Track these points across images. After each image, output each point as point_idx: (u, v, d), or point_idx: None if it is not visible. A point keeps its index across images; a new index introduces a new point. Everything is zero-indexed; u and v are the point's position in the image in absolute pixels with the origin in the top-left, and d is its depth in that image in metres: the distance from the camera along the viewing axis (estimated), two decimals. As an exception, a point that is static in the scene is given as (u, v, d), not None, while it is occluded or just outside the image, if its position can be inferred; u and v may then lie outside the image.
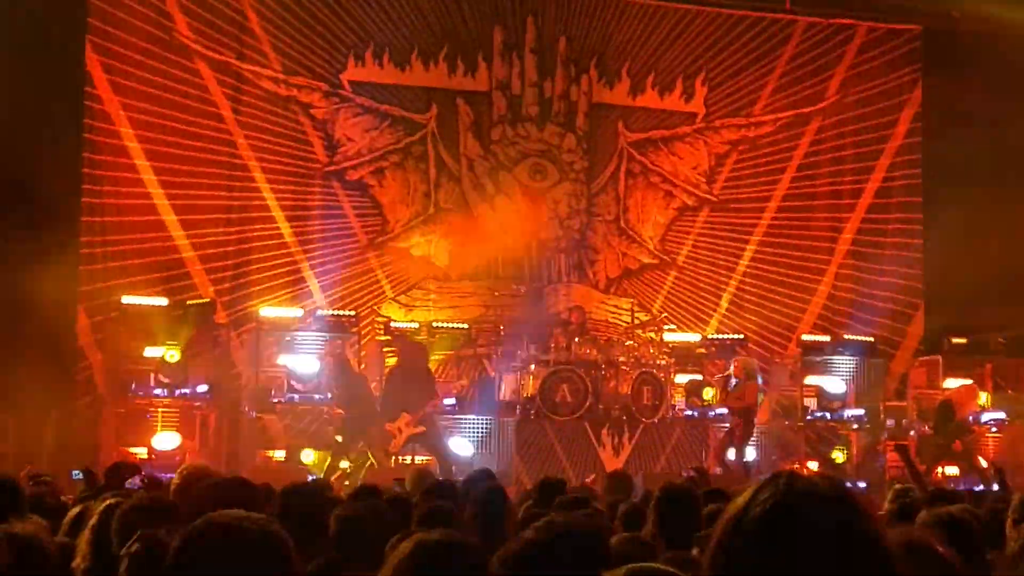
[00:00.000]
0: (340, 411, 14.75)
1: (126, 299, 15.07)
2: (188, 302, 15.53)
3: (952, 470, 15.85)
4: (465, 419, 15.59)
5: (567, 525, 3.25)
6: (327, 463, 14.42)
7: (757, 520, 1.75)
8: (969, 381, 16.31)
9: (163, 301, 15.17)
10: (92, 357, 15.75)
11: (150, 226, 16.35)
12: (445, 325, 16.75)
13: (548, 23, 18.63)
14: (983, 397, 16.42)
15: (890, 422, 16.82)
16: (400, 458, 14.91)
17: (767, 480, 1.81)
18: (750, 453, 15.99)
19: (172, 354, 14.44)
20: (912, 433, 16.60)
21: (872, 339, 17.74)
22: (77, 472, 8.49)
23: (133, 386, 14.65)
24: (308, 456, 14.74)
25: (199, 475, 5.30)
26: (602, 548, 3.29)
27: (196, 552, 2.51)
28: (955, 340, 16.94)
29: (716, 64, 19.10)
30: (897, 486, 7.69)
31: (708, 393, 16.50)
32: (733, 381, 15.81)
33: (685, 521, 5.49)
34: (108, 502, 4.34)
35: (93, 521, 4.08)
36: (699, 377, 16.72)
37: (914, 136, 19.29)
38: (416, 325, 16.48)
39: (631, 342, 16.81)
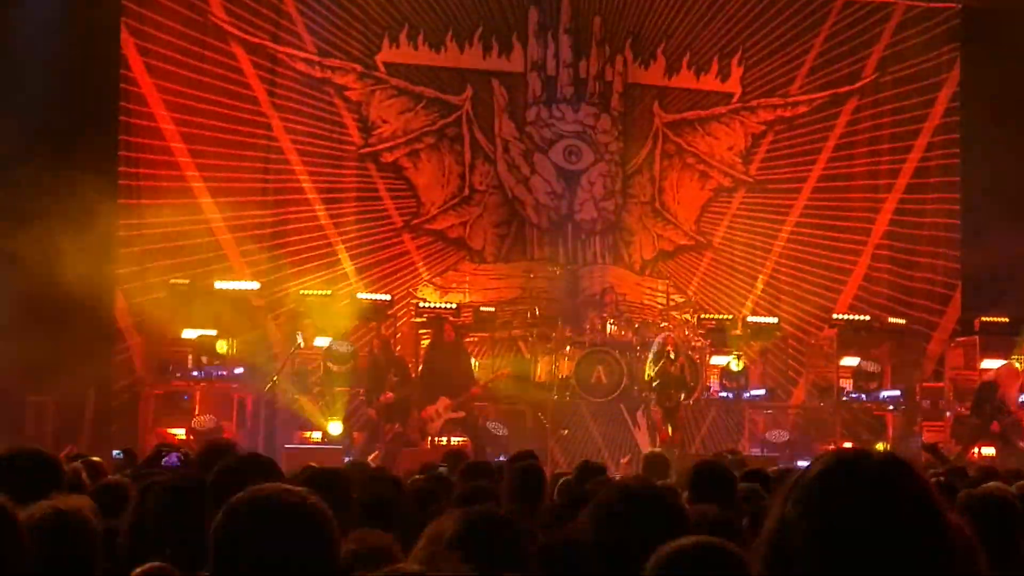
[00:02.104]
0: (390, 395, 14.82)
1: (173, 280, 15.18)
2: (223, 285, 15.58)
3: (988, 451, 15.73)
4: (501, 400, 15.61)
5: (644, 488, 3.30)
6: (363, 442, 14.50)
7: (816, 476, 1.75)
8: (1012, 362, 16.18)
9: (232, 284, 15.28)
10: (131, 339, 15.85)
11: (186, 209, 16.42)
12: (480, 307, 16.75)
13: (583, 3, 18.56)
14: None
15: (926, 403, 16.73)
16: (436, 440, 14.97)
17: (823, 453, 1.82)
18: (783, 435, 15.95)
19: (209, 338, 14.56)
20: (948, 414, 16.50)
21: (909, 320, 17.63)
22: (118, 452, 8.57)
23: (171, 368, 14.76)
24: (336, 428, 14.75)
25: (221, 450, 5.33)
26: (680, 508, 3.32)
27: (240, 525, 2.52)
28: (993, 320, 16.78)
29: (752, 43, 18.97)
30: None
31: (734, 364, 16.46)
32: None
33: (719, 498, 5.47)
34: (147, 482, 4.37)
35: (135, 500, 4.11)
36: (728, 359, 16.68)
37: (952, 116, 19.10)
38: (451, 307, 16.50)
39: (666, 324, 16.79)
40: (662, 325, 16.83)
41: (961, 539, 3.10)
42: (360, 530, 2.94)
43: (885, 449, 15.02)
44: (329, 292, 15.94)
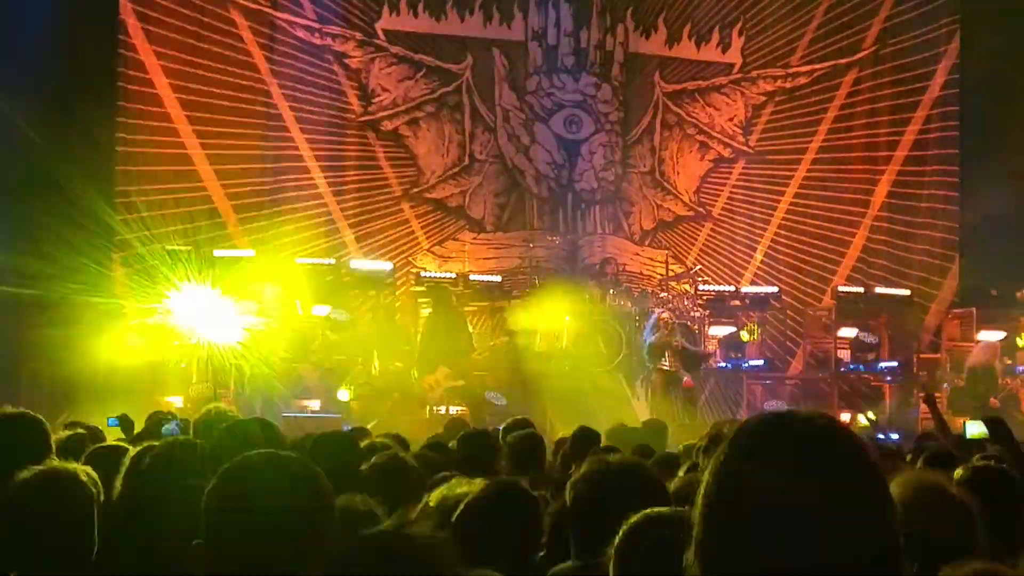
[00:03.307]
0: (398, 364, 14.85)
1: (168, 246, 15.14)
2: (215, 252, 15.56)
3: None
4: (500, 369, 15.62)
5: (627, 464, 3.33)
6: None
7: (748, 434, 1.75)
8: (996, 337, 16.22)
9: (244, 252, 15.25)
10: (128, 306, 15.82)
11: (185, 176, 16.39)
12: (480, 276, 16.75)
13: (584, -28, 18.49)
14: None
15: (923, 374, 16.77)
16: (435, 408, 14.98)
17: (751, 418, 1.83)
18: (782, 405, 15.97)
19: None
20: (945, 386, 16.53)
21: (907, 291, 17.64)
22: (113, 419, 8.56)
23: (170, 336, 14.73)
24: (344, 395, 14.81)
25: (220, 417, 5.34)
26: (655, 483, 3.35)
27: (232, 489, 2.53)
28: (990, 292, 16.80)
29: (753, 14, 18.92)
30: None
31: (746, 335, 16.50)
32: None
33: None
34: (144, 445, 4.37)
35: (127, 464, 4.11)
36: (733, 329, 16.69)
37: (951, 88, 19.05)
38: (451, 276, 16.49)
39: (665, 294, 16.81)
40: (661, 295, 16.83)
41: (961, 509, 3.12)
42: (344, 495, 2.95)
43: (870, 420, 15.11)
44: (333, 261, 15.93)
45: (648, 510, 2.78)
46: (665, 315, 15.59)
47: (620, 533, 2.70)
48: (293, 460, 2.62)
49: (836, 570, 1.66)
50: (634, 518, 2.74)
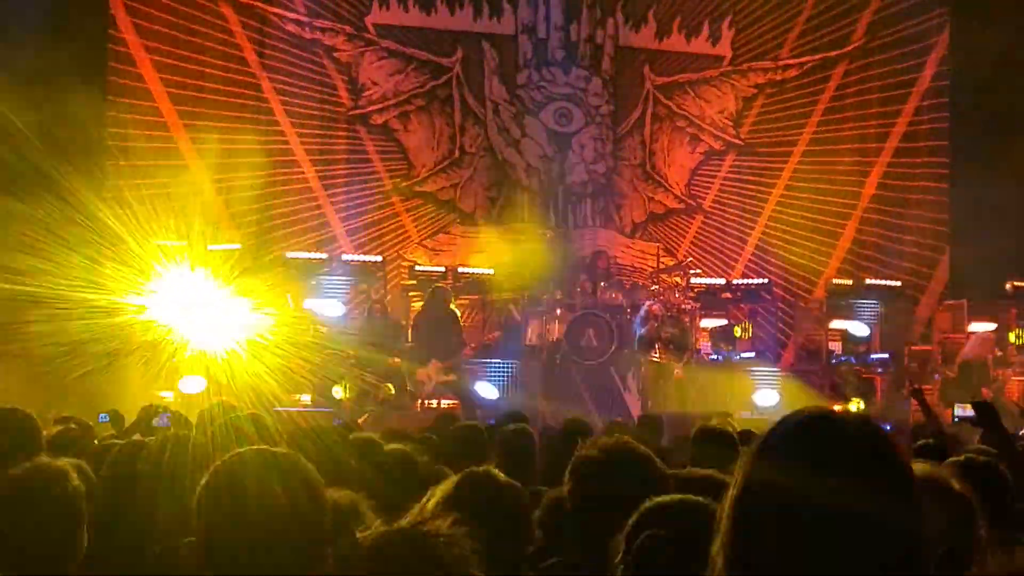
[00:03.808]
0: (396, 360, 14.82)
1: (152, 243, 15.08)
2: (209, 247, 15.53)
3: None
4: (491, 363, 15.62)
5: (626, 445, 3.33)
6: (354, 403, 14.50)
7: (784, 435, 1.76)
8: (988, 328, 16.28)
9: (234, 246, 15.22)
10: (120, 300, 15.78)
11: (174, 170, 16.35)
12: (471, 270, 16.73)
13: (574, -35, 18.48)
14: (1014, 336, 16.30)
15: (915, 366, 16.80)
16: (427, 403, 14.98)
17: (791, 415, 1.83)
18: (773, 396, 15.99)
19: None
20: (937, 377, 16.56)
21: (898, 283, 17.66)
22: (104, 415, 8.54)
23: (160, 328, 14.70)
24: (338, 392, 14.80)
25: (226, 411, 5.33)
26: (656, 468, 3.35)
27: (224, 486, 2.53)
28: (980, 285, 16.85)
29: (743, 7, 18.92)
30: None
31: (738, 331, 16.51)
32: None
33: (720, 460, 5.50)
34: (133, 440, 4.37)
35: (115, 459, 4.10)
36: (724, 322, 16.69)
37: (941, 79, 19.07)
38: (442, 270, 16.48)
39: (656, 286, 16.81)
40: (652, 288, 16.83)
41: (961, 502, 3.12)
42: (329, 491, 2.94)
43: (859, 409, 15.14)
44: (324, 255, 15.91)
45: (662, 498, 2.76)
46: (656, 307, 15.60)
47: (631, 522, 2.68)
48: (285, 457, 2.62)
49: (863, 572, 1.67)
50: (646, 506, 2.71)
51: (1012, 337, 16.30)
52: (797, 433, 1.77)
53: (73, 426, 7.17)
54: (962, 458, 4.44)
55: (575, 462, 3.37)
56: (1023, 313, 16.69)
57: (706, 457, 5.36)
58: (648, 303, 15.72)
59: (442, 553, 1.70)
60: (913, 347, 17.07)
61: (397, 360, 14.86)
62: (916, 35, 19.00)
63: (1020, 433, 9.82)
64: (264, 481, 2.49)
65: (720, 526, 1.77)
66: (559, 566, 3.20)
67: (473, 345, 15.61)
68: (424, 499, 3.56)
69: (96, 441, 6.71)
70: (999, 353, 16.22)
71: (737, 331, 16.46)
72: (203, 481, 2.56)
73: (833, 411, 1.82)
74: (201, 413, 5.99)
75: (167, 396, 14.24)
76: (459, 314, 15.82)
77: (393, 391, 14.78)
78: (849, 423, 1.78)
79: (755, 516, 1.73)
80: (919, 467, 3.60)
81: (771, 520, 1.71)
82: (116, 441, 5.82)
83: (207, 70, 16.59)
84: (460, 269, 16.62)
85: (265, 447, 2.71)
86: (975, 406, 6.11)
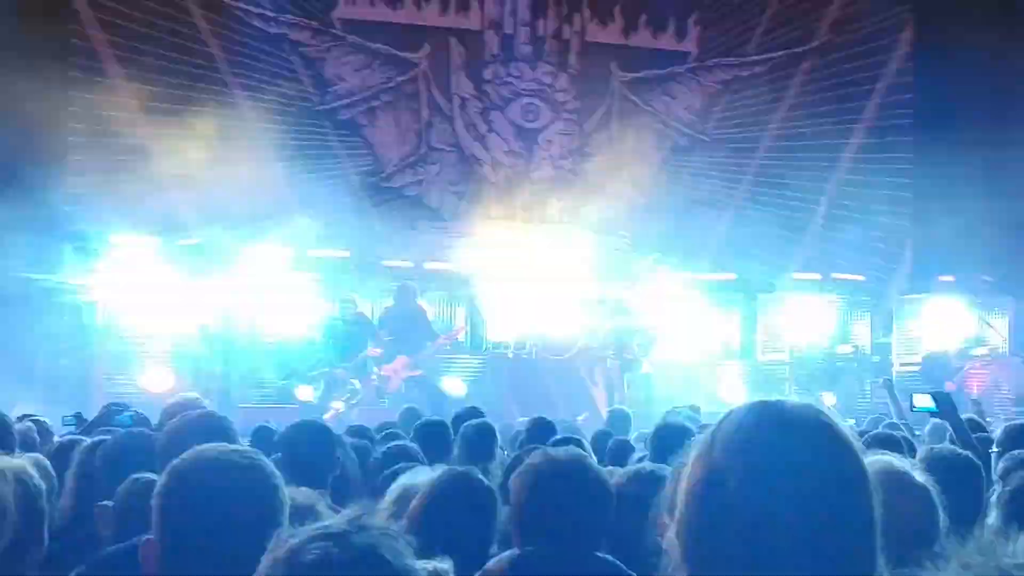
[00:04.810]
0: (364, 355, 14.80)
1: (115, 238, 15.01)
2: (178, 242, 15.48)
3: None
4: (458, 358, 15.62)
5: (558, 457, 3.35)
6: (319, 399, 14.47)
7: (734, 423, 1.80)
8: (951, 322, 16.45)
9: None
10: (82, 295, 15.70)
11: (139, 164, 16.24)
12: (438, 265, 16.72)
13: (540, -40, 18.47)
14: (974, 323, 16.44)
15: (877, 359, 16.93)
16: (391, 398, 14.97)
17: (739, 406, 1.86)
18: (740, 390, 16.06)
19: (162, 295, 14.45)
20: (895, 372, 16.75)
21: (861, 277, 17.76)
22: (67, 417, 8.46)
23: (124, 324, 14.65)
24: (305, 392, 14.77)
25: (182, 409, 5.31)
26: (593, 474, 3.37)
27: (183, 485, 2.53)
28: (942, 278, 16.96)
29: (709, 3, 18.97)
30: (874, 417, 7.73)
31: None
32: None
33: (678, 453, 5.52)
34: (94, 438, 4.35)
35: (77, 457, 4.09)
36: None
37: (905, 76, 19.20)
38: (409, 265, 16.46)
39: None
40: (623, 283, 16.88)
41: (923, 494, 3.16)
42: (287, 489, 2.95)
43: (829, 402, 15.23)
44: (289, 250, 15.87)
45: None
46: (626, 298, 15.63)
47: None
48: (243, 454, 2.62)
49: (818, 555, 1.71)
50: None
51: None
52: (747, 421, 1.80)
53: (31, 424, 7.13)
54: (929, 451, 4.49)
55: (516, 473, 3.42)
56: (984, 307, 16.83)
57: (666, 451, 5.41)
58: (619, 295, 15.75)
59: (377, 547, 1.71)
60: (876, 340, 17.19)
61: (365, 355, 14.82)
62: (879, 32, 19.14)
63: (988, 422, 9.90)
64: (222, 479, 2.50)
65: (677, 513, 1.80)
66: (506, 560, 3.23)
67: (441, 340, 15.54)
68: (389, 495, 3.59)
69: (56, 439, 6.68)
70: (962, 346, 16.35)
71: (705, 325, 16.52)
72: (161, 478, 2.56)
73: (779, 399, 1.86)
74: (164, 410, 5.96)
75: (131, 391, 14.14)
76: (428, 310, 15.81)
77: (359, 387, 14.77)
78: (796, 409, 1.82)
79: (710, 502, 1.77)
80: (881, 460, 3.64)
81: (726, 505, 1.74)
82: (77, 438, 5.80)
83: (172, 66, 16.49)
84: (427, 265, 16.61)
85: (224, 444, 2.71)
86: (934, 397, 6.17)
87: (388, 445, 6.50)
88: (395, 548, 1.73)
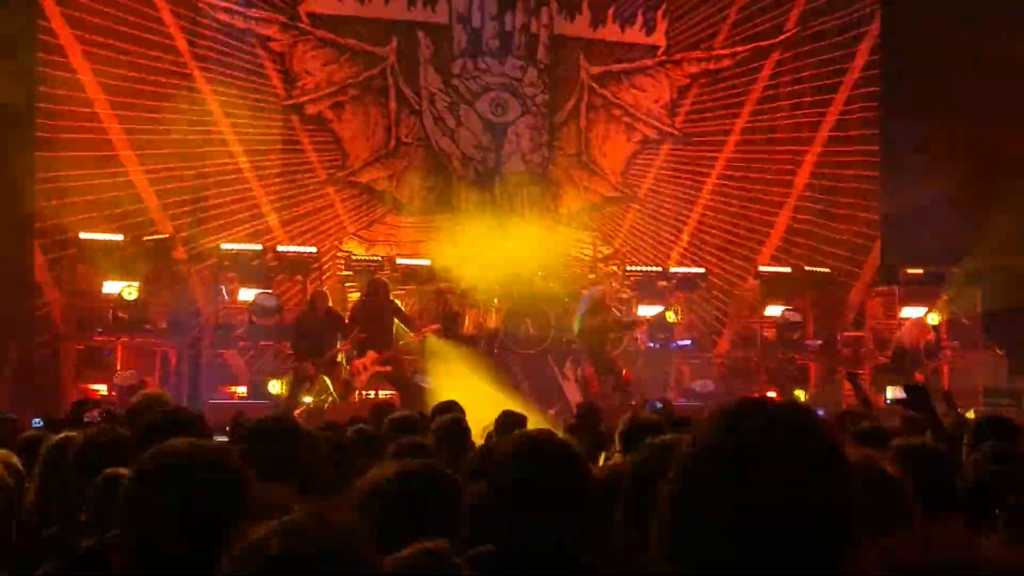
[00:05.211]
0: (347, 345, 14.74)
1: (83, 235, 14.93)
2: (145, 238, 15.41)
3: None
4: (429, 354, 15.57)
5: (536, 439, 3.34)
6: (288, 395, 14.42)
7: (715, 424, 1.80)
8: (920, 314, 16.50)
9: (118, 237, 15.05)
10: (49, 294, 15.63)
11: (106, 161, 16.16)
12: (407, 260, 16.69)
13: (508, -45, 18.45)
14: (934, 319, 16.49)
15: (847, 352, 17.01)
16: (363, 394, 14.94)
17: (723, 406, 1.86)
18: (709, 384, 16.12)
19: (130, 291, 14.33)
20: (868, 364, 16.82)
21: (830, 270, 17.84)
22: (38, 420, 8.41)
23: (93, 324, 14.56)
24: (274, 387, 14.73)
25: (151, 404, 5.28)
26: (575, 457, 3.34)
27: (150, 481, 2.51)
28: (911, 271, 17.04)
29: (677, -4, 19.02)
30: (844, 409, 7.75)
31: (671, 316, 16.59)
32: None
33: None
34: (62, 435, 4.32)
35: (44, 454, 4.05)
36: (661, 309, 16.79)
37: (872, 69, 19.29)
38: (379, 260, 16.43)
39: (593, 275, 16.88)
40: (589, 277, 16.89)
41: (893, 484, 3.17)
42: (258, 485, 2.93)
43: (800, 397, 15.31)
44: (260, 246, 15.83)
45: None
46: (599, 291, 15.62)
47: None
48: (211, 449, 2.60)
49: (799, 551, 1.72)
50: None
51: (932, 319, 16.48)
52: (728, 420, 1.80)
53: (5, 422, 7.09)
54: (900, 443, 4.51)
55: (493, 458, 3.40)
56: (954, 299, 16.92)
57: (635, 445, 5.39)
58: (594, 288, 15.76)
59: (335, 540, 1.69)
60: (845, 333, 17.27)
61: (336, 350, 14.78)
62: (847, 24, 19.23)
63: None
64: (189, 474, 2.48)
65: (658, 513, 1.80)
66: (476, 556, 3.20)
67: (411, 338, 15.47)
68: (353, 489, 3.56)
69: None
70: (932, 338, 16.43)
71: (670, 315, 16.54)
72: (128, 473, 2.54)
73: (763, 398, 1.87)
74: (133, 406, 5.92)
75: (100, 389, 14.09)
76: (399, 305, 15.77)
77: (329, 382, 14.73)
78: (779, 408, 1.82)
79: (692, 502, 1.77)
80: (855, 452, 3.65)
81: (707, 505, 1.74)
82: (45, 433, 5.76)
83: (139, 60, 16.37)
84: (397, 259, 16.58)
85: (193, 440, 2.69)
86: (907, 389, 6.21)
87: (358, 439, 6.47)
88: (357, 541, 1.72)
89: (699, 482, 1.77)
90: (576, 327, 15.55)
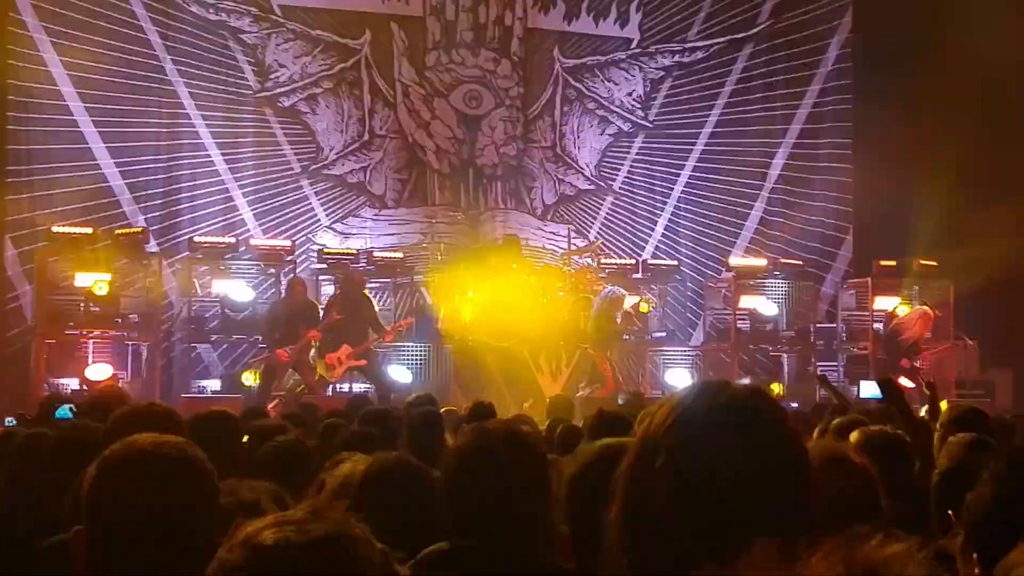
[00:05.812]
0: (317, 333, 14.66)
1: (55, 228, 14.82)
2: (117, 231, 15.31)
3: (906, 382, 15.96)
4: (404, 346, 15.57)
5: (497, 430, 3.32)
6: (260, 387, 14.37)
7: (675, 406, 1.81)
8: (893, 305, 16.59)
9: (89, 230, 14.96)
10: (20, 288, 15.53)
11: (78, 154, 16.08)
12: (382, 253, 16.66)
13: (482, -54, 18.42)
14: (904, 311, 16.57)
15: (820, 343, 17.06)
16: (338, 386, 14.91)
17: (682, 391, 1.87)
18: (684, 376, 16.15)
19: (101, 285, 14.23)
20: (841, 356, 16.91)
21: (803, 262, 17.90)
22: (11, 419, 8.36)
23: (64, 318, 14.46)
24: (248, 380, 14.68)
25: (113, 399, 5.26)
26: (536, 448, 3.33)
27: (112, 476, 2.49)
28: (884, 263, 17.10)
29: (651, -11, 19.03)
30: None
31: (645, 307, 16.61)
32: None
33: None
34: (30, 431, 4.29)
35: (11, 451, 4.03)
36: (636, 300, 16.80)
37: (845, 62, 19.36)
38: (353, 253, 16.40)
39: (568, 268, 16.89)
40: (565, 270, 16.90)
41: (861, 474, 3.19)
42: (229, 481, 2.91)
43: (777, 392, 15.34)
44: (233, 239, 15.76)
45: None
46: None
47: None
48: (176, 445, 2.58)
49: (757, 528, 1.73)
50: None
51: (900, 310, 16.54)
52: (686, 403, 1.82)
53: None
54: (866, 432, 4.55)
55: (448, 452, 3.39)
56: (925, 292, 16.99)
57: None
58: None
59: (337, 534, 1.68)
60: (819, 325, 17.33)
61: (309, 335, 14.69)
62: (820, 17, 19.28)
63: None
64: (152, 470, 2.46)
65: (615, 495, 1.81)
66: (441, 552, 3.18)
67: (388, 332, 15.39)
68: (321, 482, 3.56)
69: None
70: (929, 333, 16.36)
71: (643, 306, 16.56)
72: (92, 469, 2.53)
73: (720, 381, 1.89)
74: (90, 404, 5.89)
75: (71, 383, 14.01)
76: (373, 299, 15.73)
77: (301, 376, 14.70)
78: (735, 390, 1.83)
79: (647, 483, 1.78)
80: (824, 443, 3.67)
81: (663, 484, 1.75)
82: (17, 429, 5.73)
83: (110, 53, 16.27)
84: (371, 252, 16.54)
85: (157, 435, 2.67)
86: (879, 383, 6.23)
87: (333, 433, 6.46)
88: (354, 535, 1.71)
89: (645, 461, 1.78)
90: (594, 326, 15.56)
